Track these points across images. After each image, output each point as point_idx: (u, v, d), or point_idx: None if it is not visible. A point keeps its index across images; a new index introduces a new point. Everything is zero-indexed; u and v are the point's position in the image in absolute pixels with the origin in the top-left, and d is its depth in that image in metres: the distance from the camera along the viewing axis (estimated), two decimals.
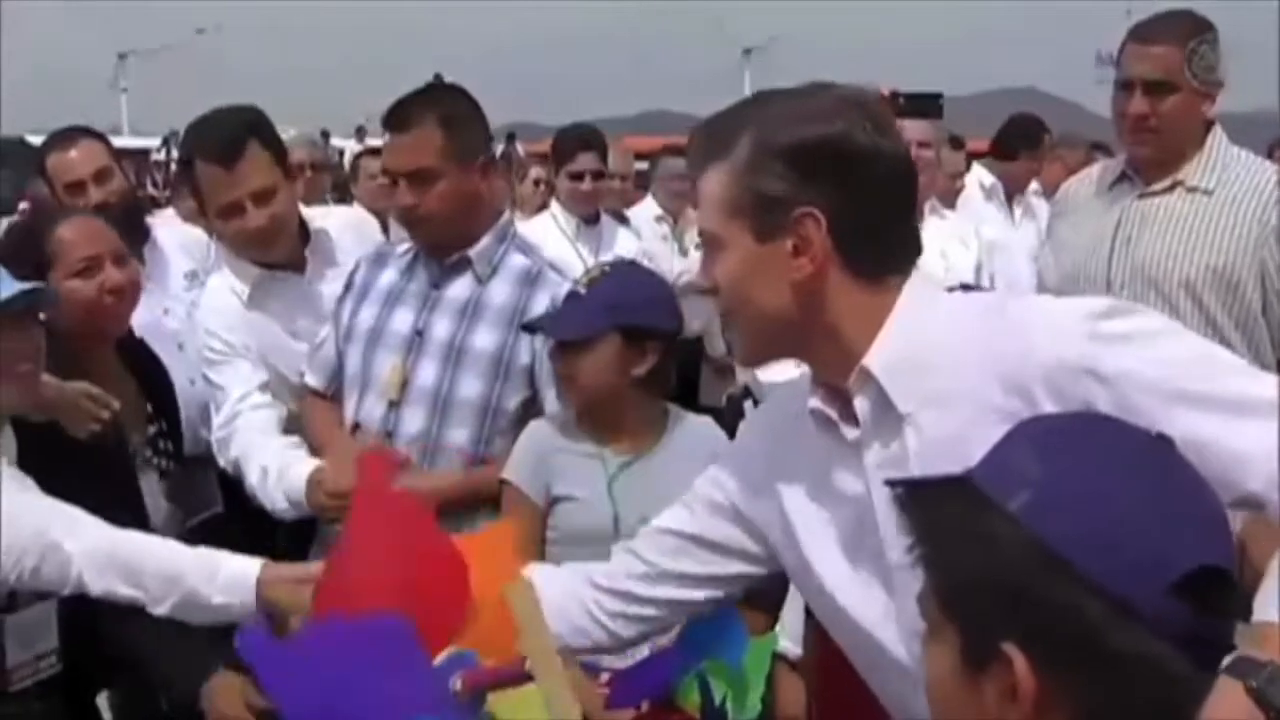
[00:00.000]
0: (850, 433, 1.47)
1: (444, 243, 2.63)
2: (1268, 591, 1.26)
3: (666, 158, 5.99)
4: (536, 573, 1.86)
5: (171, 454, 2.75)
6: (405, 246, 2.73)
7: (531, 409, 2.59)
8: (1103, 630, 0.96)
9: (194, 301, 3.64)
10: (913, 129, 4.24)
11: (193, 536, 3.11)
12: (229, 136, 2.72)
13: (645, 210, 5.69)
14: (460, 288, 2.63)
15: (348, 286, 2.77)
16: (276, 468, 2.65)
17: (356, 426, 2.65)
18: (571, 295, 2.45)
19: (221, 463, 2.83)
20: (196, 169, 2.78)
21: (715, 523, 1.69)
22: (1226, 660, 1.18)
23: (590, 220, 4.58)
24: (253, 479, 2.72)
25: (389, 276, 2.71)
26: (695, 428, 2.53)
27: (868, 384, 1.43)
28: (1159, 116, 2.91)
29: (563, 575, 1.85)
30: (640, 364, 2.40)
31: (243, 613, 1.95)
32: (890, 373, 1.42)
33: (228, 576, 1.97)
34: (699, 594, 1.76)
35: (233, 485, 3.69)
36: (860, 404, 1.44)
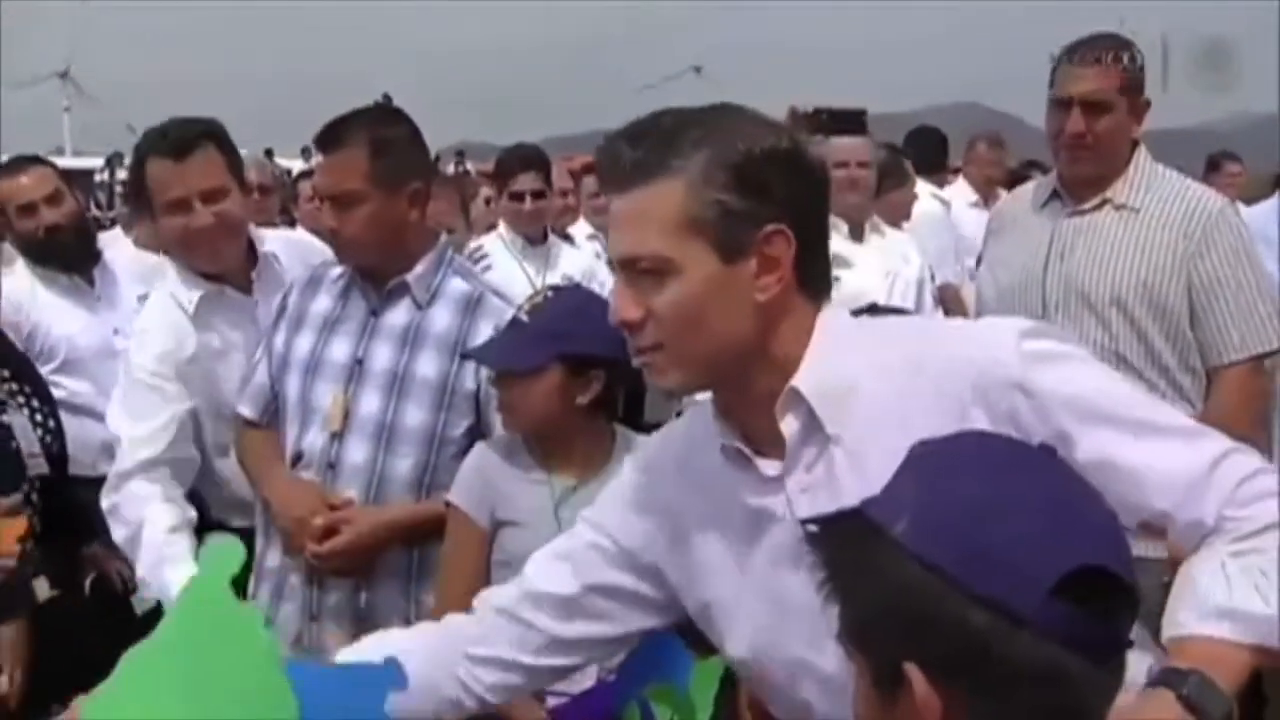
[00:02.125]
0: (769, 468, 1.43)
1: (373, 267, 2.60)
2: (1177, 609, 1.32)
3: (587, 176, 6.04)
4: (405, 639, 1.68)
5: (32, 394, 2.90)
6: (338, 271, 2.67)
7: (477, 435, 2.57)
8: (990, 640, 0.97)
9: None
10: (851, 148, 4.29)
11: None
12: (183, 134, 2.70)
13: (579, 229, 5.72)
14: (399, 314, 2.58)
15: (280, 311, 2.71)
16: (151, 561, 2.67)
17: (299, 457, 2.61)
18: (514, 323, 2.42)
19: (105, 504, 2.80)
20: (147, 168, 2.73)
21: (607, 572, 1.59)
22: (1153, 673, 1.25)
23: (537, 239, 4.58)
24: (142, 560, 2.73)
25: (323, 303, 2.65)
26: (629, 454, 2.51)
27: (798, 406, 1.40)
28: (1095, 135, 2.98)
29: (432, 644, 1.65)
30: (584, 392, 2.37)
31: None
32: (819, 393, 1.39)
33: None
34: (594, 654, 1.68)
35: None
36: (789, 425, 1.40)
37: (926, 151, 6.14)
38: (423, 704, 1.58)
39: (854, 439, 1.38)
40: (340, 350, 2.59)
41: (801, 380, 1.39)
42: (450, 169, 18.67)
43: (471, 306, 2.58)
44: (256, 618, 1.52)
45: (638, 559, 1.58)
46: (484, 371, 2.52)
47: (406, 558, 2.56)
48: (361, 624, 2.55)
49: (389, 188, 2.51)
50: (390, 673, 1.62)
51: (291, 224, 5.90)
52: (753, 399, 1.42)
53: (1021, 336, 1.38)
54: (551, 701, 2.38)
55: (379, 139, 2.51)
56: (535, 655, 1.61)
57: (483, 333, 2.54)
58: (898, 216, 4.90)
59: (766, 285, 1.35)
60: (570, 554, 1.61)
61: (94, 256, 3.73)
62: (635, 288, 1.38)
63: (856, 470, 1.36)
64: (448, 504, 2.46)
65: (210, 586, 1.48)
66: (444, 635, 1.66)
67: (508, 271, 4.23)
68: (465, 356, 2.51)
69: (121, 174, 20.07)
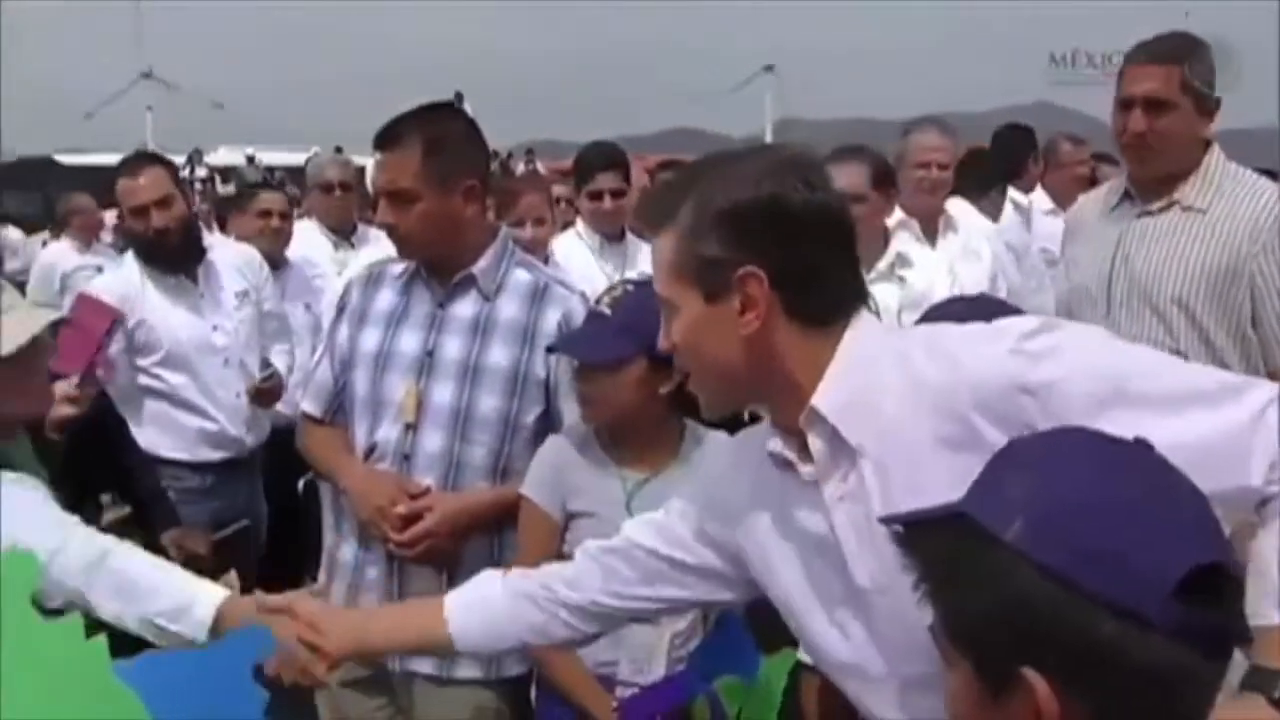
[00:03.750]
0: (806, 471, 1.53)
1: (433, 262, 2.64)
2: (1254, 596, 1.29)
3: (663, 174, 6.04)
4: (486, 581, 1.92)
5: None
6: (400, 267, 2.71)
7: (547, 422, 2.62)
8: (1117, 645, 0.97)
9: (242, 319, 3.90)
10: (933, 149, 4.28)
11: (219, 548, 3.24)
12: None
13: None
14: (467, 306, 2.63)
15: (340, 309, 2.77)
16: None
17: (372, 449, 2.65)
18: (596, 316, 2.46)
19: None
20: None
21: (694, 547, 1.72)
22: (1241, 675, 1.24)
23: (615, 237, 4.59)
24: None
25: (387, 298, 2.69)
26: (710, 442, 2.54)
27: (818, 423, 1.49)
28: (1156, 134, 2.97)
29: (523, 580, 1.88)
30: (666, 384, 2.41)
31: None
32: (838, 410, 1.48)
33: (198, 619, 1.94)
34: (669, 608, 1.83)
35: (279, 489, 3.91)
36: (814, 442, 1.50)
37: (1008, 154, 5.93)
38: (511, 626, 1.84)
39: (878, 452, 1.46)
40: (409, 343, 2.62)
41: (819, 399, 1.49)
42: (520, 167, 18.79)
43: (538, 296, 2.63)
44: (75, 629, 1.39)
45: (719, 541, 1.69)
46: (553, 359, 2.57)
47: (488, 544, 2.61)
48: None
49: (442, 185, 2.55)
50: (254, 639, 1.59)
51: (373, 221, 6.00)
52: (782, 414, 1.56)
53: (1021, 338, 1.41)
54: (621, 692, 2.42)
55: (433, 137, 2.55)
56: (615, 599, 1.78)
57: (550, 320, 2.60)
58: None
59: (748, 321, 1.49)
60: (664, 522, 1.76)
61: (199, 256, 3.88)
62: (664, 321, 1.58)
63: (882, 481, 1.45)
64: (521, 497, 2.50)
65: (12, 609, 1.33)
66: (537, 573, 1.88)
67: (585, 269, 4.24)
68: (551, 350, 2.55)
69: (201, 171, 20.49)
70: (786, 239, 1.48)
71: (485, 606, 1.86)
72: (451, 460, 2.58)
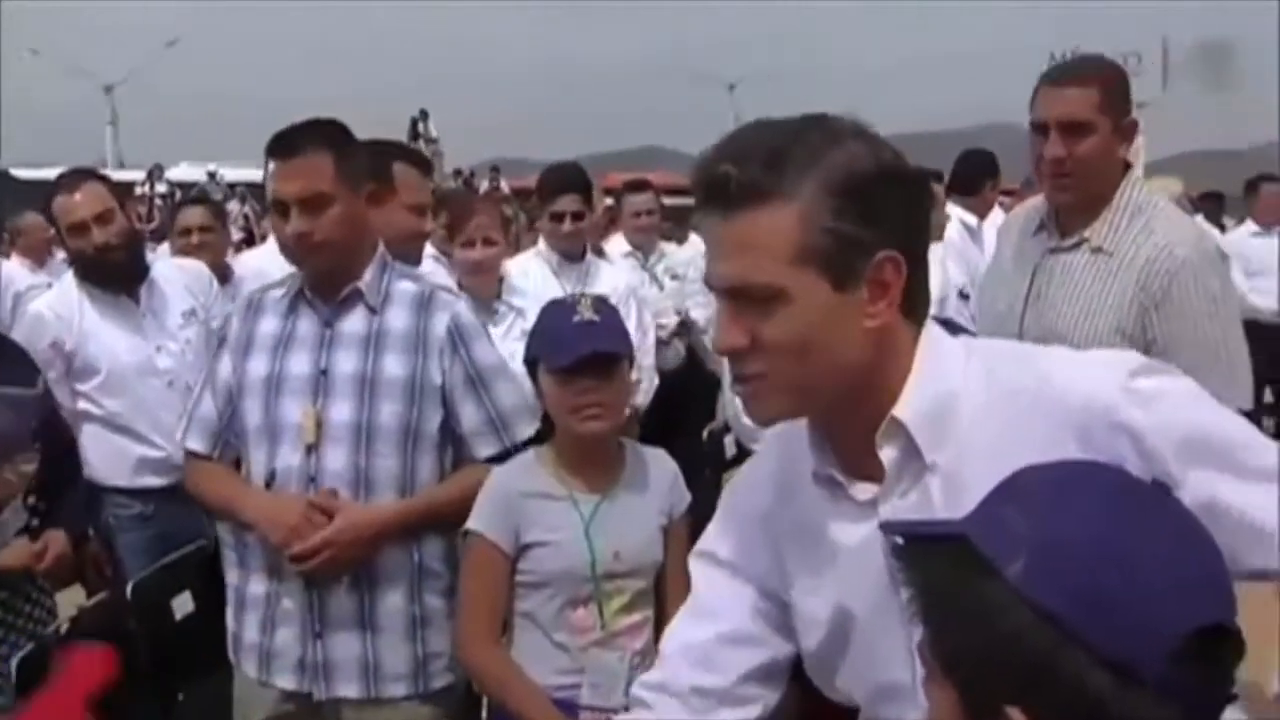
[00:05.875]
0: (862, 492, 1.39)
1: (336, 272, 2.60)
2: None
3: (629, 194, 6.05)
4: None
5: None
6: (280, 291, 2.69)
7: (448, 429, 2.60)
8: (1108, 700, 0.94)
9: (188, 340, 3.74)
10: None
11: (175, 569, 3.17)
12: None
13: (615, 245, 5.75)
14: (355, 322, 2.60)
15: (221, 340, 2.73)
16: None
17: (272, 477, 2.59)
18: (585, 323, 2.38)
19: None
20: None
21: (735, 608, 1.52)
22: None
23: (574, 256, 4.61)
24: None
25: (270, 323, 2.65)
26: (651, 459, 2.54)
27: (897, 435, 1.35)
28: (1075, 160, 2.80)
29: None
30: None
31: None
32: (919, 421, 1.34)
33: None
34: (750, 693, 1.54)
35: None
36: (887, 454, 1.35)
37: (966, 174, 6.02)
38: None
39: (951, 466, 1.33)
40: (300, 364, 2.59)
41: (902, 409, 1.34)
42: (484, 185, 18.82)
43: (424, 304, 2.62)
44: None
45: (763, 581, 1.52)
46: (448, 365, 2.57)
47: (408, 559, 2.57)
48: (368, 632, 2.56)
49: (352, 188, 2.57)
50: None
51: None
52: (853, 426, 1.37)
53: (1130, 375, 1.31)
54: (586, 717, 2.38)
55: (338, 142, 2.58)
56: (702, 714, 1.52)
57: (439, 326, 2.58)
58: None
59: (877, 312, 1.31)
60: (693, 607, 1.56)
61: (141, 274, 3.76)
62: (741, 314, 1.32)
63: (952, 497, 1.31)
64: (466, 532, 2.44)
65: None
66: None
67: (544, 286, 4.25)
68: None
69: (161, 187, 20.33)
70: (910, 215, 1.31)
71: None
72: (359, 476, 2.54)
